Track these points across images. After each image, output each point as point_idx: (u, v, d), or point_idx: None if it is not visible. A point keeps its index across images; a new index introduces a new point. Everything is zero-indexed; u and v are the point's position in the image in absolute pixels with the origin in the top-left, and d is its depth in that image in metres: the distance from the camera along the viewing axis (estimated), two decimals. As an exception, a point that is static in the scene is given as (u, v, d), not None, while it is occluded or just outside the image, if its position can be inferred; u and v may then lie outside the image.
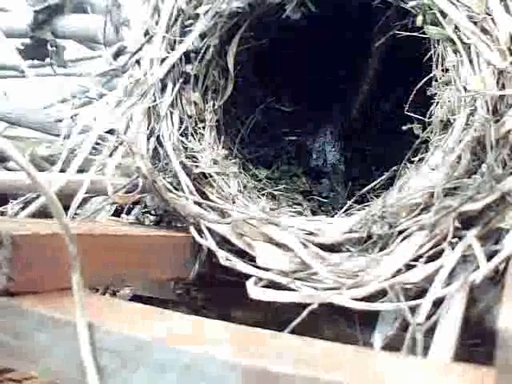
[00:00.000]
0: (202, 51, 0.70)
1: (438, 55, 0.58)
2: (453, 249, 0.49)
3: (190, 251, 0.62)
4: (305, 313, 0.46)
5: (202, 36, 0.70)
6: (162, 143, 0.66)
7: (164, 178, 0.64)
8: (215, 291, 0.67)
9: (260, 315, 0.62)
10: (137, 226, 0.69)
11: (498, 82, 0.53)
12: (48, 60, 1.11)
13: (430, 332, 0.43)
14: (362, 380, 0.31)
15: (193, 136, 0.68)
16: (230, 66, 0.72)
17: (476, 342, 0.50)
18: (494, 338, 0.29)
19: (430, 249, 0.50)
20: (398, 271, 0.50)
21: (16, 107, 1.03)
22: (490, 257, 0.47)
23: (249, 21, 0.71)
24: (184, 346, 0.34)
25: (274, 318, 0.58)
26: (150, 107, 0.68)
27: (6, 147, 0.38)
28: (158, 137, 0.67)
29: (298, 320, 0.45)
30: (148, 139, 0.67)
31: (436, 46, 0.59)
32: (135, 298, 0.71)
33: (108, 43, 0.93)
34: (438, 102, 0.57)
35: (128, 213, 0.74)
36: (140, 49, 0.72)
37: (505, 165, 0.50)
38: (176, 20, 0.70)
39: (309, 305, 0.47)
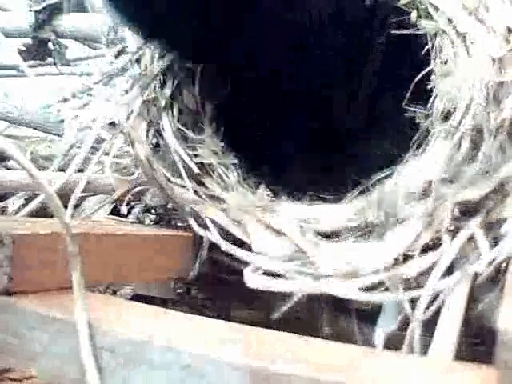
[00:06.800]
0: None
1: (436, 48, 0.58)
2: (452, 239, 0.49)
3: (191, 251, 0.62)
4: (295, 298, 0.46)
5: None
6: (162, 133, 0.67)
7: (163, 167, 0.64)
8: (216, 290, 0.67)
9: (261, 315, 0.62)
10: (137, 225, 0.69)
11: (496, 70, 0.53)
12: (49, 59, 1.11)
13: (430, 330, 0.43)
14: (363, 380, 0.31)
15: (193, 129, 0.69)
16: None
17: (478, 342, 0.50)
18: (495, 338, 0.28)
19: (429, 239, 0.50)
20: (396, 260, 0.50)
21: (17, 107, 1.03)
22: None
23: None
24: (184, 345, 0.34)
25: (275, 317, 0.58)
26: (149, 101, 0.68)
27: (7, 146, 0.38)
28: (157, 130, 0.67)
29: (288, 305, 0.45)
30: (147, 131, 0.67)
31: (433, 39, 0.59)
32: (135, 298, 0.71)
33: (109, 42, 0.93)
34: (437, 95, 0.57)
35: (128, 212, 0.74)
36: (140, 48, 0.72)
37: (503, 153, 0.50)
38: None
39: (309, 299, 0.47)
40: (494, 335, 0.28)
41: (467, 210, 0.50)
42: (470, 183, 0.49)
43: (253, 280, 0.53)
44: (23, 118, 1.01)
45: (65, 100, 0.98)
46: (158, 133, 0.67)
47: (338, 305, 0.51)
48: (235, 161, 0.69)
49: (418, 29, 0.60)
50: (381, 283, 0.49)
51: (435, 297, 0.46)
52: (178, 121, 0.68)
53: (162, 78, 0.70)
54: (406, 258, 0.50)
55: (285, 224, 0.58)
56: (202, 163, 0.66)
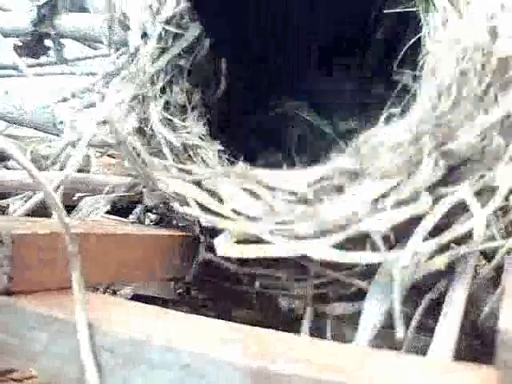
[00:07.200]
0: (197, 49, 0.71)
1: (428, 15, 0.58)
2: (435, 198, 0.47)
3: (190, 251, 0.62)
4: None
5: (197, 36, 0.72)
6: (148, 120, 0.67)
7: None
8: (216, 290, 0.67)
9: (261, 315, 0.62)
10: (137, 225, 0.69)
11: (489, 28, 0.52)
12: (44, 57, 1.12)
13: (430, 330, 0.43)
14: (362, 379, 0.31)
15: (179, 119, 0.69)
16: (223, 65, 0.73)
17: (478, 342, 0.49)
18: (495, 338, 0.29)
19: (407, 193, 0.47)
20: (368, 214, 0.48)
21: (17, 106, 1.03)
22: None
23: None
24: (184, 345, 0.34)
25: (275, 317, 0.58)
26: (141, 96, 0.69)
27: (7, 146, 0.38)
28: (146, 119, 0.67)
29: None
30: (136, 122, 0.67)
31: (423, 4, 0.59)
32: (135, 298, 0.71)
33: (111, 43, 0.93)
34: (427, 57, 0.57)
35: (129, 212, 0.74)
36: (138, 50, 0.73)
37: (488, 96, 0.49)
38: (172, 18, 0.72)
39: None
40: (494, 335, 0.28)
41: (454, 172, 0.48)
42: (453, 131, 0.48)
43: (224, 247, 0.51)
44: (23, 118, 1.02)
45: (65, 100, 0.98)
46: (146, 123, 0.67)
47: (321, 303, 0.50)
48: (220, 147, 0.68)
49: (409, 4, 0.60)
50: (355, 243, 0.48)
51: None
52: (166, 110, 0.68)
53: (155, 75, 0.70)
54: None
55: (258, 185, 0.56)
56: (185, 149, 0.65)
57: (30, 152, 0.88)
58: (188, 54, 0.73)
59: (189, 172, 0.62)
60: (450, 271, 0.48)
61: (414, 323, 0.45)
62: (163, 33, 0.72)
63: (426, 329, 0.44)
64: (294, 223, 0.51)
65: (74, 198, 0.74)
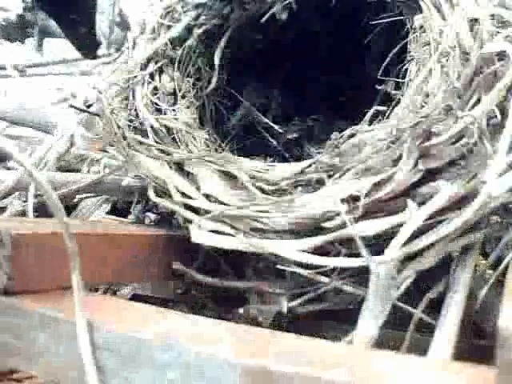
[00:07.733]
0: (188, 41, 0.72)
1: (413, 20, 0.59)
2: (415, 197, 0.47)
3: (190, 251, 0.62)
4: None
5: (189, 27, 0.73)
6: (134, 104, 0.67)
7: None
8: (215, 290, 0.67)
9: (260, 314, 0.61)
10: (137, 225, 0.69)
11: (472, 31, 0.52)
12: (44, 58, 1.12)
13: (429, 330, 0.43)
14: (362, 379, 0.31)
15: (167, 106, 0.69)
16: (217, 60, 0.74)
17: (478, 341, 0.49)
18: (496, 337, 0.29)
19: (389, 190, 0.47)
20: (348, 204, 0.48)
21: (16, 106, 1.03)
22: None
23: (240, 18, 0.73)
24: (184, 345, 0.34)
25: (274, 317, 0.58)
26: (129, 80, 0.69)
27: (7, 146, 0.38)
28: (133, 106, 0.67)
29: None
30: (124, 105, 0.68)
31: (408, 9, 0.59)
32: (135, 298, 0.71)
33: (109, 43, 0.93)
34: (412, 63, 0.57)
35: (129, 212, 0.74)
36: (134, 43, 0.73)
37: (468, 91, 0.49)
38: (168, 13, 0.73)
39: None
40: (495, 335, 0.28)
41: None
42: (431, 124, 0.47)
43: (199, 235, 0.52)
44: (23, 118, 1.01)
45: (64, 100, 0.98)
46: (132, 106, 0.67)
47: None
48: (205, 134, 0.68)
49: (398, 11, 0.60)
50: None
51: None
52: (153, 95, 0.68)
53: (145, 62, 0.71)
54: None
55: (237, 171, 0.56)
56: (169, 132, 0.65)
57: (29, 152, 0.88)
58: (179, 45, 0.74)
59: (168, 153, 0.61)
60: (450, 271, 0.48)
61: (413, 323, 0.45)
62: (157, 25, 0.73)
63: (426, 329, 0.44)
64: (268, 212, 0.51)
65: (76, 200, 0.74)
